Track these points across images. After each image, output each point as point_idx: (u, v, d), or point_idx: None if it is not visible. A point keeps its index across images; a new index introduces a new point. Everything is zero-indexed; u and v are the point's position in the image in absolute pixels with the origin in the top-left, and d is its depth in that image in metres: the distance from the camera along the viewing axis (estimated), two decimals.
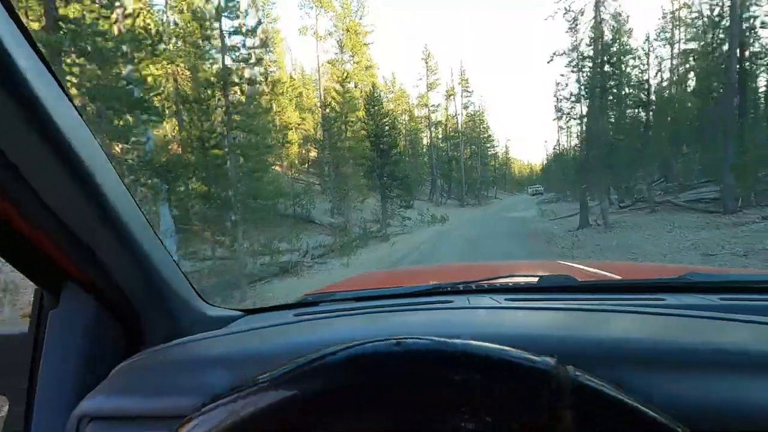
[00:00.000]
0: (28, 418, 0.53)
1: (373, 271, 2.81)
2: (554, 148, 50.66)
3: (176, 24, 13.73)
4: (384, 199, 17.97)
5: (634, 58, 18.49)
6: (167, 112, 10.42)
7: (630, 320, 0.53)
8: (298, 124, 25.55)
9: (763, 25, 13.69)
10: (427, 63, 35.40)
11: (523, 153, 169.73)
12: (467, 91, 39.96)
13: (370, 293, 0.91)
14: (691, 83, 19.93)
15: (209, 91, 8.53)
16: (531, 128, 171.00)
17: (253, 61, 9.33)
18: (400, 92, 38.38)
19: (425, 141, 39.25)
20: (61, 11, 5.69)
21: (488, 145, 50.73)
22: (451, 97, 39.41)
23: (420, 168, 36.35)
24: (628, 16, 22.22)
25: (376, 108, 18.55)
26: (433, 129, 38.60)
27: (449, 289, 0.84)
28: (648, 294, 0.74)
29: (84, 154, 0.45)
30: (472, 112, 43.95)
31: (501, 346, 0.33)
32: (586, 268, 1.31)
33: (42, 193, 0.44)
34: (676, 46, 24.96)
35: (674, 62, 24.89)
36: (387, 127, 18.45)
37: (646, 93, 19.32)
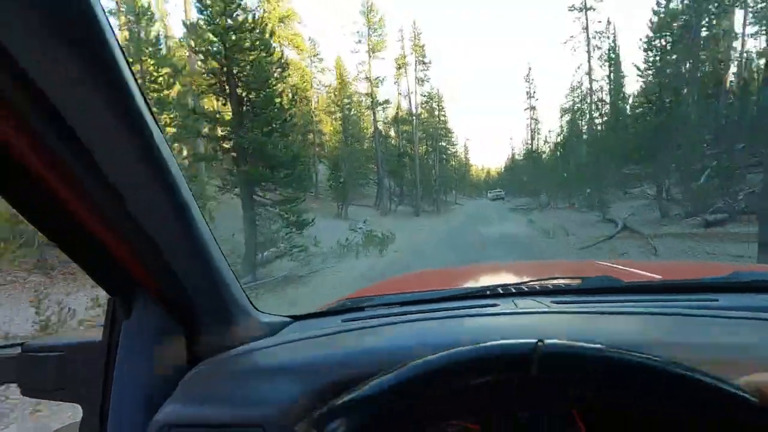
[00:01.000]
0: (103, 427, 0.54)
1: (412, 273, 2.34)
2: (527, 144, 44.35)
3: None
4: (248, 207, 8.30)
5: None
6: None
7: (685, 322, 0.53)
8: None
9: None
10: (368, 17, 25.83)
11: (477, 156, 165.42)
12: (423, 62, 30.61)
13: (415, 297, 0.88)
14: None
15: None
16: (489, 129, 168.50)
17: None
18: (335, 64, 28.33)
19: (370, 129, 29.61)
20: None
21: (448, 138, 42.79)
22: (403, 69, 29.91)
23: (361, 162, 26.96)
24: None
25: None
26: (379, 111, 28.90)
27: (494, 292, 0.84)
28: (697, 294, 0.72)
29: (163, 158, 0.45)
30: (429, 93, 34.80)
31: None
32: (624, 268, 1.29)
33: (126, 197, 0.44)
34: None
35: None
36: (249, 68, 8.76)
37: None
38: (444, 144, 40.45)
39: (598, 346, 0.35)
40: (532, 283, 0.89)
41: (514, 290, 0.84)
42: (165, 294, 0.57)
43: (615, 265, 1.40)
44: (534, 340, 0.36)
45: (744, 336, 0.49)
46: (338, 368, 0.52)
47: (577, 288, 0.83)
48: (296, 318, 0.81)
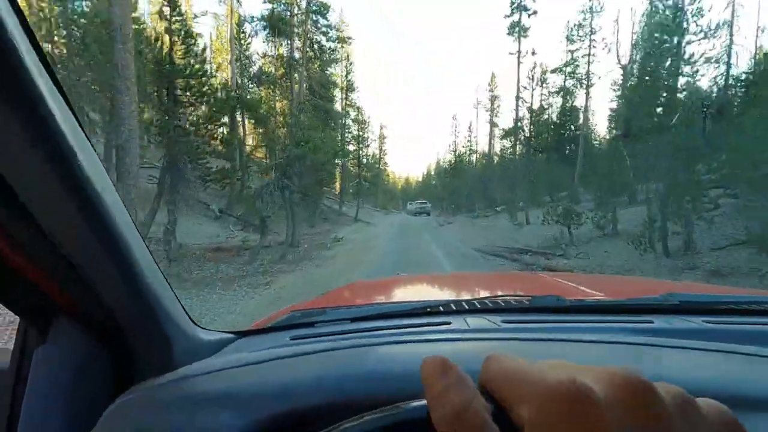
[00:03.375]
0: None
1: (361, 281, 2.49)
2: (467, 147, 32.82)
3: None
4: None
5: None
6: None
7: (624, 351, 0.55)
8: None
9: None
10: None
11: (396, 163, 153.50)
12: None
13: (366, 312, 0.87)
14: None
15: None
16: (411, 131, 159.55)
17: None
18: None
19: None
20: None
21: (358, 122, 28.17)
22: None
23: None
24: None
25: None
26: None
27: (446, 308, 0.85)
28: (636, 315, 0.76)
29: (84, 167, 0.39)
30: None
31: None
32: (569, 283, 1.38)
33: (37, 215, 0.40)
34: None
35: None
36: None
37: None
38: (349, 121, 25.87)
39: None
40: (484, 299, 0.92)
41: (466, 306, 0.86)
42: (85, 314, 0.52)
43: (560, 280, 1.50)
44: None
45: (670, 366, 0.51)
46: (285, 399, 0.47)
47: (526, 307, 0.85)
48: (240, 334, 0.76)
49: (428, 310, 0.85)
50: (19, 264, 0.44)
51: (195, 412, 0.47)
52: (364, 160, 31.15)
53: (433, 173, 66.97)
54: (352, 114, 27.99)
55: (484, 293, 0.98)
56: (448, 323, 0.74)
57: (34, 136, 0.35)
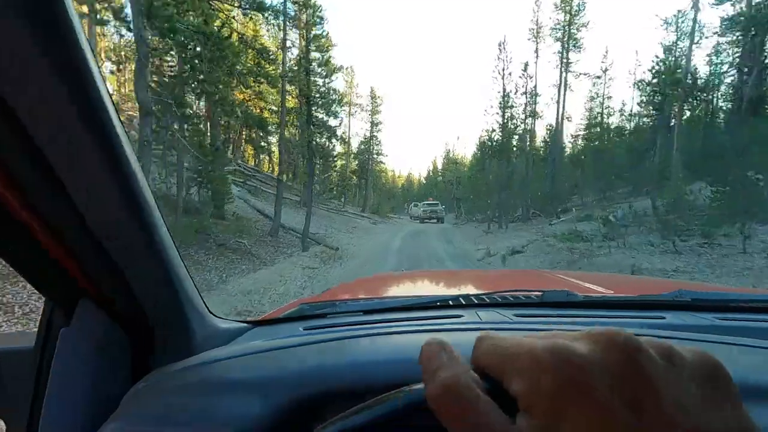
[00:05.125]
0: None
1: (374, 275, 2.45)
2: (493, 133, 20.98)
3: None
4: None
5: None
6: None
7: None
8: None
9: None
10: None
11: (397, 161, 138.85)
12: None
13: (378, 305, 0.88)
14: None
15: None
16: (412, 133, 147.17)
17: None
18: None
19: None
20: None
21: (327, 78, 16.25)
22: None
23: None
24: None
25: None
26: None
27: (457, 302, 0.85)
28: (647, 311, 0.76)
29: (118, 155, 0.41)
30: None
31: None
32: (576, 281, 1.36)
33: (76, 199, 0.41)
34: None
35: None
36: None
37: None
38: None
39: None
40: (495, 294, 0.90)
41: (477, 301, 0.85)
42: (109, 298, 0.53)
43: (567, 278, 1.46)
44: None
45: None
46: (301, 384, 0.49)
47: (538, 301, 0.84)
48: (255, 323, 0.77)
49: (440, 303, 0.85)
50: (52, 246, 0.44)
51: (218, 395, 0.48)
52: (338, 125, 18.24)
53: (440, 169, 55.46)
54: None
55: (494, 288, 0.94)
56: (461, 316, 0.74)
57: (86, 126, 0.36)
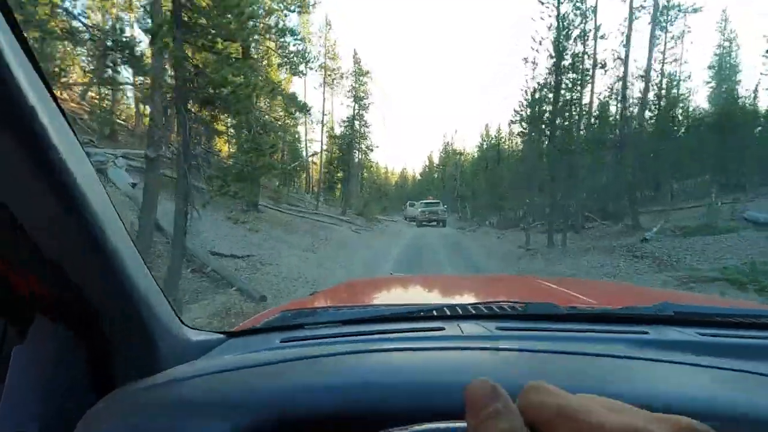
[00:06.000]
0: None
1: (354, 281, 2.42)
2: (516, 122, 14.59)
3: None
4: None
5: None
6: None
7: (619, 366, 0.55)
8: None
9: None
10: None
11: (390, 157, 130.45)
12: None
13: (357, 315, 0.88)
14: None
15: None
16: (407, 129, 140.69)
17: None
18: None
19: None
20: None
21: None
22: None
23: None
24: None
25: None
26: None
27: (440, 313, 0.84)
28: (630, 325, 0.76)
29: (67, 159, 0.38)
30: None
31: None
32: (561, 288, 1.38)
33: (15, 208, 0.38)
34: None
35: None
36: None
37: None
38: None
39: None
40: (478, 305, 0.90)
41: (460, 312, 0.85)
42: (67, 312, 0.50)
43: (553, 285, 1.47)
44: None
45: (664, 381, 0.51)
46: (272, 406, 0.46)
47: (521, 313, 0.84)
48: (230, 335, 0.75)
49: (421, 314, 0.85)
50: None
51: (180, 418, 0.45)
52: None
53: (436, 164, 49.67)
54: None
55: (478, 297, 0.97)
56: (442, 329, 0.74)
57: (16, 124, 0.34)
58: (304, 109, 13.61)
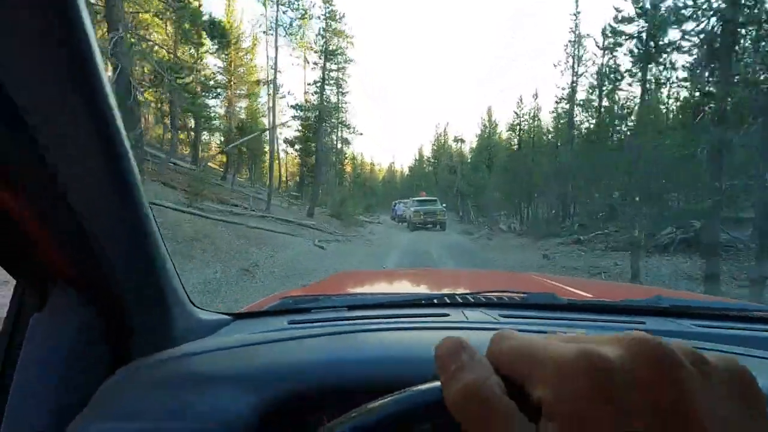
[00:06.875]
0: None
1: (358, 271, 2.53)
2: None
3: None
4: None
5: None
6: None
7: None
8: None
9: None
10: None
11: (375, 152, 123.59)
12: None
13: (364, 301, 0.88)
14: None
15: None
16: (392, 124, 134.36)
17: None
18: None
19: None
20: None
21: None
22: None
23: None
24: None
25: None
26: None
27: (442, 301, 0.85)
28: (628, 316, 0.77)
29: (109, 135, 0.40)
30: None
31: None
32: (560, 285, 1.38)
33: (60, 178, 0.39)
34: None
35: None
36: None
37: None
38: None
39: None
40: (480, 294, 0.90)
41: (463, 300, 0.85)
42: (87, 284, 0.50)
43: (552, 282, 1.50)
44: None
45: None
46: (287, 380, 0.48)
47: (522, 303, 0.85)
48: (237, 316, 0.75)
49: (426, 302, 0.85)
50: (26, 220, 0.41)
51: (200, 389, 0.47)
52: None
53: (428, 157, 44.57)
54: None
55: (480, 288, 0.96)
56: (447, 315, 0.74)
57: (79, 101, 0.36)
58: (213, 30, 8.11)
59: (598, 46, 12.88)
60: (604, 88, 12.69)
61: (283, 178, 29.77)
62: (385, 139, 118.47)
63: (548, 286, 1.36)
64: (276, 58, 12.26)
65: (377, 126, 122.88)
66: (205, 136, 20.77)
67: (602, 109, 12.79)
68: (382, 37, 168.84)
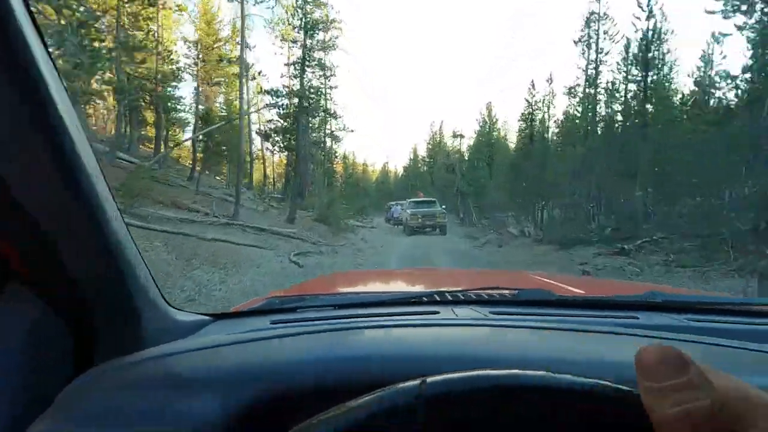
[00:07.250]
0: None
1: (345, 272, 2.48)
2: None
3: None
4: None
5: None
6: None
7: (612, 341, 0.55)
8: None
9: None
10: None
11: (368, 153, 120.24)
12: None
13: (351, 300, 0.87)
14: None
15: None
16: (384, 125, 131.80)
17: None
18: None
19: None
20: None
21: None
22: None
23: None
24: None
25: None
26: None
27: (431, 299, 0.84)
28: (620, 311, 0.76)
29: (65, 128, 0.38)
30: None
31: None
32: (552, 281, 1.37)
33: (5, 173, 0.37)
34: None
35: None
36: None
37: None
38: None
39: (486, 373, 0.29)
40: (470, 291, 0.89)
41: (452, 298, 0.84)
42: (45, 282, 0.48)
43: (544, 279, 1.46)
44: (417, 382, 0.28)
45: None
46: (265, 380, 0.45)
47: (513, 299, 0.84)
48: (217, 317, 0.72)
49: (415, 300, 0.84)
50: None
51: (172, 392, 0.44)
52: None
53: (423, 157, 42.63)
54: None
55: (472, 286, 0.94)
56: (436, 312, 0.73)
57: (36, 112, 0.35)
58: None
59: (641, 7, 11.00)
60: (656, 59, 10.77)
61: (270, 179, 27.60)
62: (384, 139, 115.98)
63: (540, 284, 1.36)
64: (242, 27, 10.12)
65: (377, 126, 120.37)
66: (176, 132, 18.61)
67: (648, 88, 10.86)
68: (382, 37, 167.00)
